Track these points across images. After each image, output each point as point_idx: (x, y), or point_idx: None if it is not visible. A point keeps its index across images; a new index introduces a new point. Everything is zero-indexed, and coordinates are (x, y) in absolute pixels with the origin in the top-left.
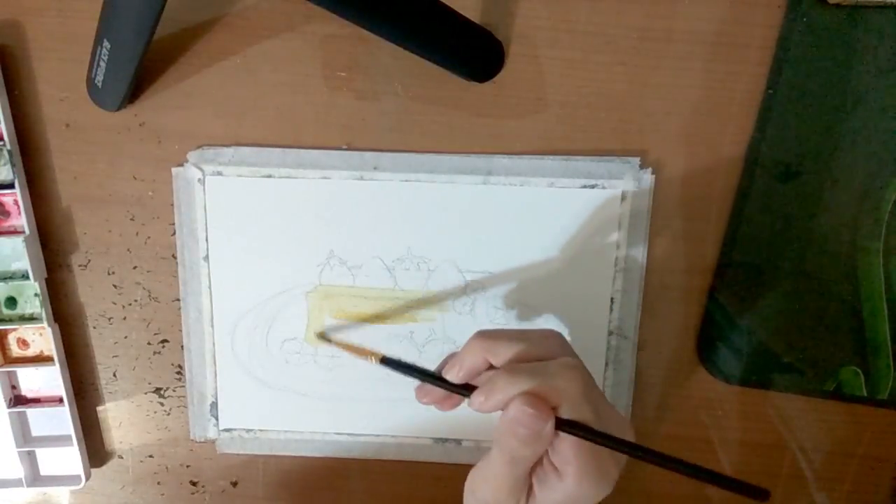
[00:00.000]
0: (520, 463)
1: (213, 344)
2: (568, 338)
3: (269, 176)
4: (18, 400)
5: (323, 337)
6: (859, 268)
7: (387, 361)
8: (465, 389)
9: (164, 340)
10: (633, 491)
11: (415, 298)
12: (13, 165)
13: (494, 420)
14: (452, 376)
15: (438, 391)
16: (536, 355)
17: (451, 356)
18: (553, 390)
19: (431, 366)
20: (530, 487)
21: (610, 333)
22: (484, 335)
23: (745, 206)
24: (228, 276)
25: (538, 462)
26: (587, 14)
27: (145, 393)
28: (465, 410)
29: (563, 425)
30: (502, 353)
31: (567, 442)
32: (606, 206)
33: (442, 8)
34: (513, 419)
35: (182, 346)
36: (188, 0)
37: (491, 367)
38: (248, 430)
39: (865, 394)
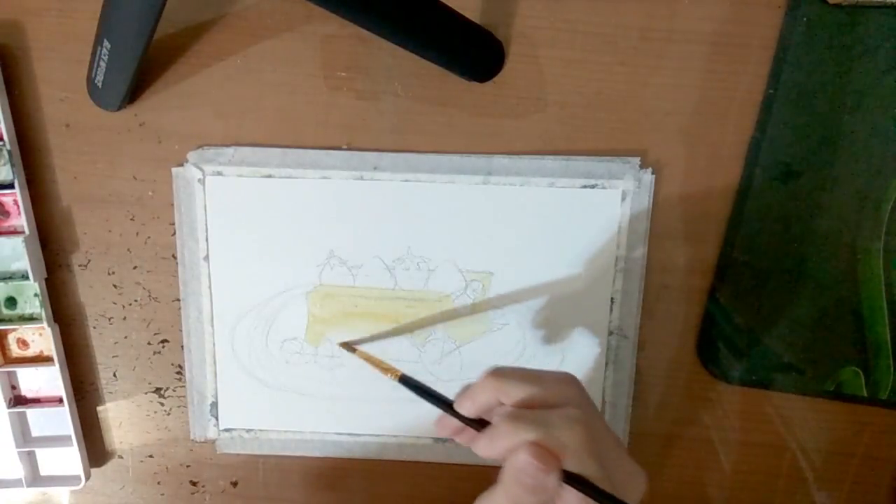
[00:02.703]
0: None
1: (213, 344)
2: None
3: (270, 176)
4: (18, 400)
5: (347, 346)
6: (859, 268)
7: (405, 381)
8: (478, 424)
9: (164, 340)
10: None
11: (415, 298)
12: (13, 165)
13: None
14: (465, 410)
15: (454, 423)
16: (546, 400)
17: (467, 387)
18: (556, 443)
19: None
20: None
21: (610, 333)
22: (497, 374)
23: (745, 206)
24: (228, 276)
25: None
26: (587, 14)
27: (145, 393)
28: None
29: (568, 478)
30: (513, 395)
31: (572, 494)
32: (606, 206)
33: (442, 8)
34: (518, 468)
35: (182, 346)
36: (188, 0)
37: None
38: (248, 430)
39: (865, 394)
